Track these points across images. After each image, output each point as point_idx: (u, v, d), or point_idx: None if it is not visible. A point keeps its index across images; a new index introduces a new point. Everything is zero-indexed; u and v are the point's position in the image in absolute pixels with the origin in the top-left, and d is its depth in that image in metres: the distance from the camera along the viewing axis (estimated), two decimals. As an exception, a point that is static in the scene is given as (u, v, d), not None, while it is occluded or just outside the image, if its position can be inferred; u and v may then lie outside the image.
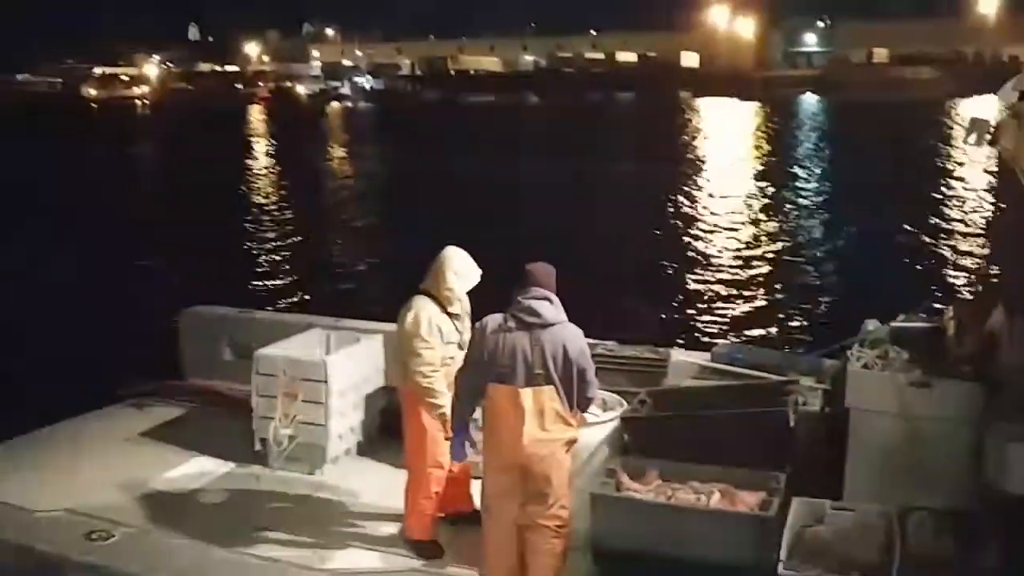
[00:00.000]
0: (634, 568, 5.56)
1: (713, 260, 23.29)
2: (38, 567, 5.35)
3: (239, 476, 7.63)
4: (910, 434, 5.75)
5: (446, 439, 6.30)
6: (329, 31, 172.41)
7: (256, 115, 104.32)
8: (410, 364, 6.51)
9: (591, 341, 8.41)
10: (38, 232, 26.80)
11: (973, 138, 5.54)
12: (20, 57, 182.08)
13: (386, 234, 28.23)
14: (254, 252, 25.73)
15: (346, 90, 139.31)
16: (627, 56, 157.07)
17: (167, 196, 37.83)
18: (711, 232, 27.18)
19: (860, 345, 6.30)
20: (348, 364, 7.86)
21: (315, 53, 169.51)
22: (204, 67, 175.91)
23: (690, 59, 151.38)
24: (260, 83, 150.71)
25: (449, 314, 6.60)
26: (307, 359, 7.75)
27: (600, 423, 7.42)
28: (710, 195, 34.51)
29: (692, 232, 27.17)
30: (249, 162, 51.86)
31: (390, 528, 6.84)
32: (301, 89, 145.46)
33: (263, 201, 36.36)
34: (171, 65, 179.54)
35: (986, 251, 22.94)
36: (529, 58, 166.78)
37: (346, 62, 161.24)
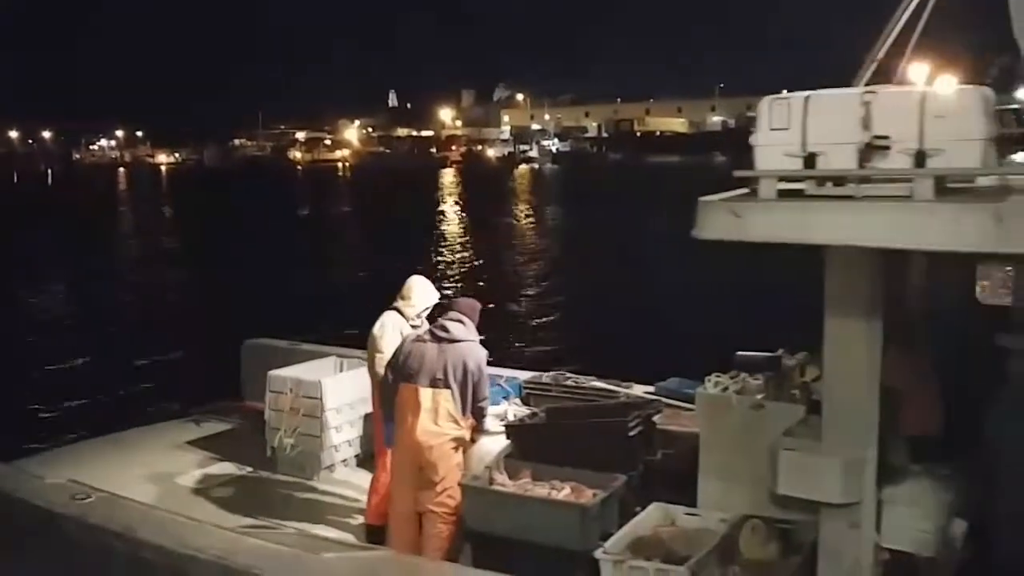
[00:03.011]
0: (495, 549, 6.55)
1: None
2: (36, 518, 6.98)
3: (249, 477, 9.13)
4: (747, 451, 6.38)
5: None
6: (519, 96, 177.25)
7: (448, 177, 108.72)
8: (370, 360, 8.07)
9: (569, 372, 9.62)
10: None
11: None
12: (241, 123, 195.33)
13: (556, 289, 29.96)
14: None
15: (534, 153, 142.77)
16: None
17: (359, 251, 40.57)
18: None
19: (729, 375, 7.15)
20: (344, 385, 9.24)
21: (505, 118, 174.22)
22: (401, 132, 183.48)
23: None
24: (453, 147, 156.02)
25: (412, 326, 8.01)
26: (308, 379, 9.19)
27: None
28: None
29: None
30: (438, 221, 55.00)
31: (359, 519, 8.19)
32: (491, 152, 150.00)
33: (447, 257, 38.70)
34: (371, 130, 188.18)
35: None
36: (717, 119, 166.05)
37: (535, 126, 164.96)
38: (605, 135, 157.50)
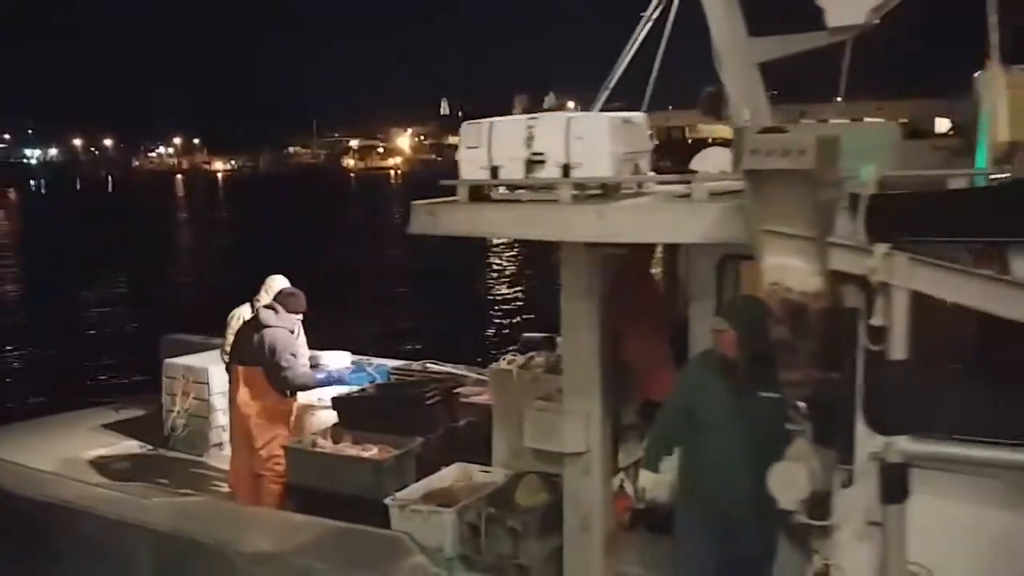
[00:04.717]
0: (312, 500, 7.66)
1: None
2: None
3: (147, 454, 10.21)
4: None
5: None
6: (570, 104, 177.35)
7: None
8: None
9: (438, 361, 10.64)
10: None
11: None
12: (296, 132, 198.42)
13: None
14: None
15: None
16: (875, 121, 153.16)
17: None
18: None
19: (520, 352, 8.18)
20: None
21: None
22: (452, 139, 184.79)
23: (943, 125, 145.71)
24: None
25: None
26: (197, 366, 10.27)
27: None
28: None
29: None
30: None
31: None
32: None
33: (495, 263, 40.26)
34: (423, 138, 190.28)
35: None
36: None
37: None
38: (656, 142, 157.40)
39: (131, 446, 10.40)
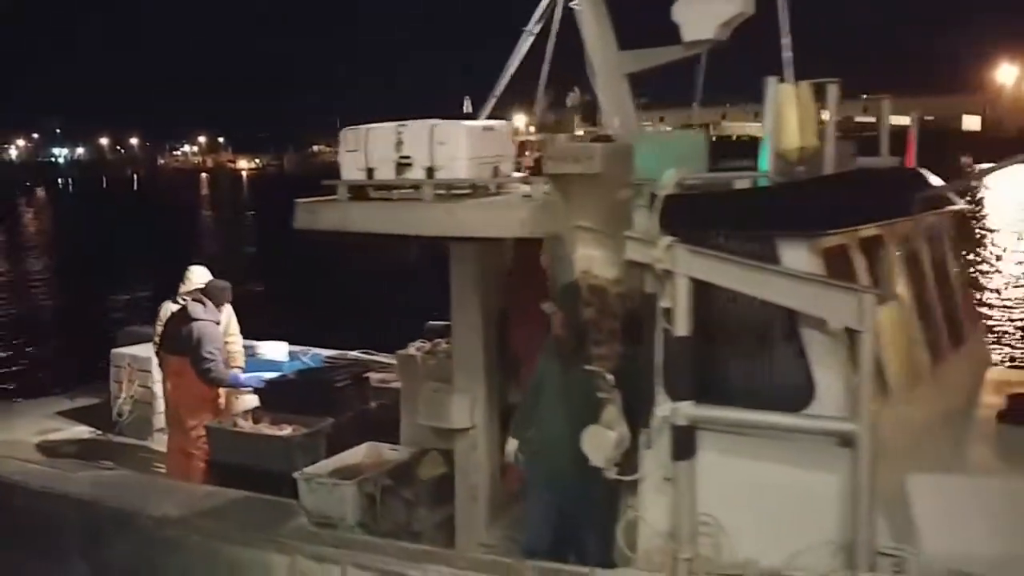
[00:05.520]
0: (231, 474, 8.22)
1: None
2: None
3: (95, 439, 10.69)
4: None
5: None
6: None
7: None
8: None
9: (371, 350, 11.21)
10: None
11: None
12: (319, 131, 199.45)
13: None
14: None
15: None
16: (901, 120, 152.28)
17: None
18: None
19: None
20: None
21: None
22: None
23: (971, 123, 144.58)
24: (526, 152, 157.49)
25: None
26: (141, 355, 10.75)
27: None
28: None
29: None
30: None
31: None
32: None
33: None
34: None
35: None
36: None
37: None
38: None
39: (80, 431, 10.85)
